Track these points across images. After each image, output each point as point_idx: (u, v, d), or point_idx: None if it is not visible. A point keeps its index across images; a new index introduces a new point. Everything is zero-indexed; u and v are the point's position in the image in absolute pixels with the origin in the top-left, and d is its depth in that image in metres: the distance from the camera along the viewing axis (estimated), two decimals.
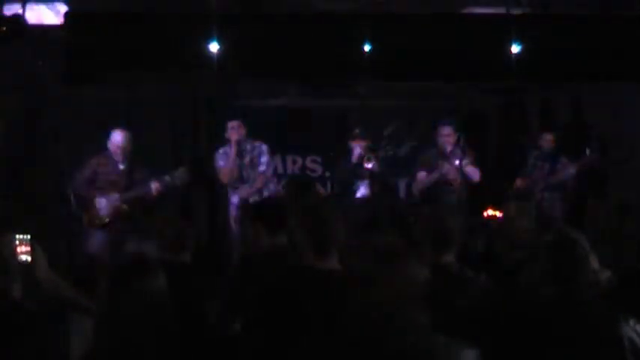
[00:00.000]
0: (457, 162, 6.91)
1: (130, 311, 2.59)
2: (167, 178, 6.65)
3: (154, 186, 6.60)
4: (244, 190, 6.84)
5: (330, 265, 2.97)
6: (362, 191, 6.94)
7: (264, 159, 6.99)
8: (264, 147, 7.02)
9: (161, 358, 2.62)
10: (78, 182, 6.65)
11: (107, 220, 6.61)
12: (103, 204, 6.62)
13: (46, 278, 3.52)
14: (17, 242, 3.49)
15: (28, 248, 3.49)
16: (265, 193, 6.99)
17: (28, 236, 3.50)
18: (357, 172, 6.93)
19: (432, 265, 3.38)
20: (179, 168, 6.75)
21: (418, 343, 2.21)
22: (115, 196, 6.63)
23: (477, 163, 7.21)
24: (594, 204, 4.74)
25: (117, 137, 6.73)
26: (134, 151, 7.06)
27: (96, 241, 6.58)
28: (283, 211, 3.92)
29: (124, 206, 6.65)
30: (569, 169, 7.15)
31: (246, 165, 6.89)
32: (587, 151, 7.04)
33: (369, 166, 6.87)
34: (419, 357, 2.20)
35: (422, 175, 7.14)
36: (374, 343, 2.22)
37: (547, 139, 7.43)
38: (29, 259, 3.48)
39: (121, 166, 6.74)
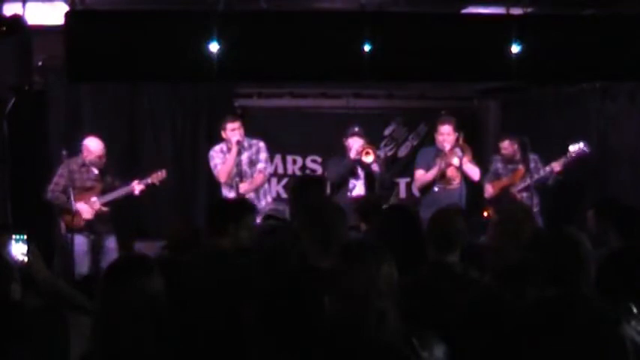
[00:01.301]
0: (457, 161, 6.89)
1: (129, 310, 2.59)
2: (149, 179, 6.85)
3: (138, 187, 6.81)
4: (243, 187, 6.79)
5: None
6: (357, 190, 6.90)
7: (263, 156, 6.95)
8: (262, 144, 6.99)
9: (160, 357, 2.61)
10: (54, 193, 6.72)
11: (87, 221, 6.75)
12: (84, 209, 6.72)
13: (45, 278, 3.52)
14: (14, 242, 3.49)
15: (25, 248, 3.49)
16: (262, 191, 6.98)
17: (25, 236, 3.50)
18: (353, 170, 6.89)
19: (436, 264, 3.38)
20: (159, 171, 6.93)
21: (382, 338, 2.23)
22: (94, 199, 6.75)
23: (475, 162, 7.20)
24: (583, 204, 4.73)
25: (95, 146, 6.84)
26: (135, 151, 7.03)
27: (78, 245, 6.65)
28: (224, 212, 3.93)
29: (105, 208, 6.80)
30: (551, 168, 7.07)
31: (245, 163, 6.86)
32: (572, 147, 6.97)
33: (369, 160, 6.82)
34: (381, 352, 2.22)
35: (420, 172, 7.12)
36: (339, 339, 2.24)
37: (504, 146, 7.42)
38: (26, 259, 3.48)
39: (96, 171, 6.85)
